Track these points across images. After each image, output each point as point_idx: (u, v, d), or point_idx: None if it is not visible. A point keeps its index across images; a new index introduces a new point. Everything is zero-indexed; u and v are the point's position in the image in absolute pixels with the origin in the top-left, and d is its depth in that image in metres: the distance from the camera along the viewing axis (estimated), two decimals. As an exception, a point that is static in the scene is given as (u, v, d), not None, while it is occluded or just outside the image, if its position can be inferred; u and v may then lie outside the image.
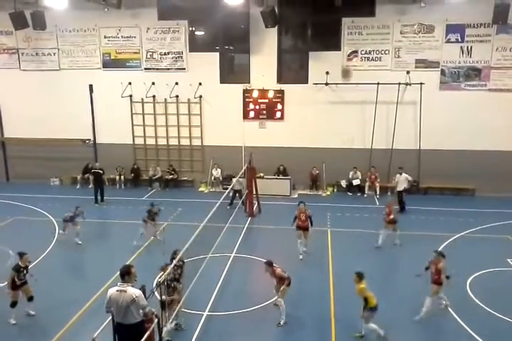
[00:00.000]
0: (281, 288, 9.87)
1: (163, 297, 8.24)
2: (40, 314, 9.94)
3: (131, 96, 20.69)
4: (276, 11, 18.10)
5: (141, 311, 7.12)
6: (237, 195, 17.88)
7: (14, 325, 9.71)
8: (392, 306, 10.49)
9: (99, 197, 18.61)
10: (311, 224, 13.39)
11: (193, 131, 20.94)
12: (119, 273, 7.20)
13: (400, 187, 17.36)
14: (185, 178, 21.36)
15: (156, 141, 21.24)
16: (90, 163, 20.89)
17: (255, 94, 20.00)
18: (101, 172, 18.85)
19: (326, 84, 19.37)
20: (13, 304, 9.83)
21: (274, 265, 10.02)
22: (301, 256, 13.21)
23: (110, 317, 7.40)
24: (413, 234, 15.00)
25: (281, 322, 9.77)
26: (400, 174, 17.44)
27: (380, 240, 13.85)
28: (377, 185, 19.63)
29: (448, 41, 18.65)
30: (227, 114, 20.32)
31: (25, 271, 10.00)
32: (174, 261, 8.91)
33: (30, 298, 10.06)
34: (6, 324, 9.71)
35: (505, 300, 10.69)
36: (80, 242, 14.21)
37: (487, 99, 18.84)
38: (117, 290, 7.08)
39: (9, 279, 9.85)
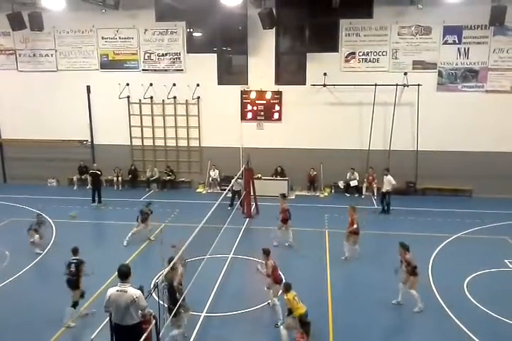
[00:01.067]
0: (269, 283, 10.05)
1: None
2: (39, 314, 9.90)
3: (128, 97, 20.65)
4: (274, 12, 18.09)
5: (139, 312, 7.10)
6: (236, 195, 17.85)
7: (14, 326, 9.64)
8: (391, 306, 10.52)
9: (96, 199, 18.54)
10: (290, 217, 14.00)
11: (191, 132, 20.93)
12: (118, 273, 7.16)
13: (384, 189, 17.35)
14: (183, 179, 21.33)
15: (154, 142, 21.21)
16: (82, 161, 20.97)
17: (253, 95, 20.00)
18: (98, 173, 18.78)
19: (324, 85, 19.39)
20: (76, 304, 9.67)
21: (270, 256, 10.18)
22: (275, 243, 13.97)
23: (108, 318, 7.38)
24: (411, 235, 14.99)
25: (279, 323, 9.74)
26: (386, 175, 17.36)
27: (346, 253, 13.31)
28: (374, 186, 19.62)
29: (445, 43, 18.70)
30: (225, 115, 20.31)
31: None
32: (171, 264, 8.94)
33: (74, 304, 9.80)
34: (5, 324, 9.67)
35: (503, 301, 10.71)
36: (39, 252, 13.49)
37: (484, 100, 18.89)
38: (117, 291, 7.06)
39: (82, 274, 9.63)
